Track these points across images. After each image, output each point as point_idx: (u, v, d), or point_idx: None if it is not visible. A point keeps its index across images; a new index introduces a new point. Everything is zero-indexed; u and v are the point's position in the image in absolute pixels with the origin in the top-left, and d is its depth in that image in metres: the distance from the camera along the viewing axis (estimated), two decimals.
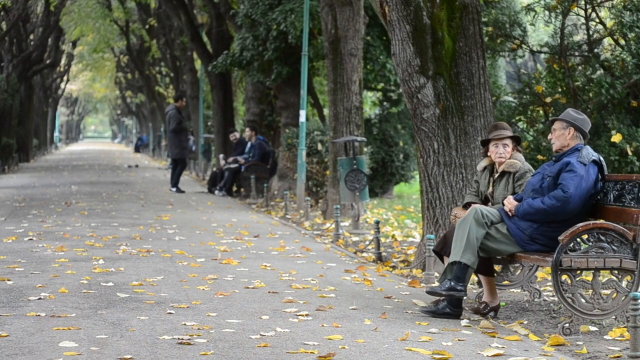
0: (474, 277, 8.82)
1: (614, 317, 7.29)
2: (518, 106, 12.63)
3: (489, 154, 8.42)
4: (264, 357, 6.12)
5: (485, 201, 8.42)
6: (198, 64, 35.31)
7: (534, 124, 12.57)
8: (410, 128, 22.73)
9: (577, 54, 12.39)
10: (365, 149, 17.07)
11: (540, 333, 7.35)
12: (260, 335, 6.75)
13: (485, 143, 8.47)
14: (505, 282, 8.68)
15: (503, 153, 8.28)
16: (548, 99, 12.20)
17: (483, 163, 8.52)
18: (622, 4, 12.06)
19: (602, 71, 12.08)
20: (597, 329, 7.38)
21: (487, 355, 6.32)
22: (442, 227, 10.01)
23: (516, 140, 8.39)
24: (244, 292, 8.65)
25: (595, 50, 12.41)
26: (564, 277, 7.19)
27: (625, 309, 7.15)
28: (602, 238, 7.21)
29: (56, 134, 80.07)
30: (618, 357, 6.45)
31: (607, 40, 12.86)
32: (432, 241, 9.65)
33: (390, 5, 10.12)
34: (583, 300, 7.19)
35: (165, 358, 6.01)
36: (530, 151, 12.00)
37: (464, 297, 7.80)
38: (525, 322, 7.80)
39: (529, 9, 12.56)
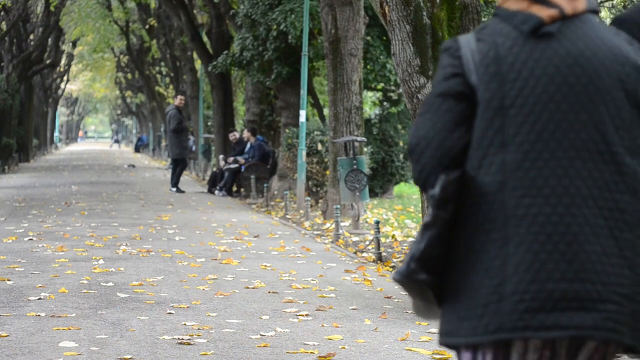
0: None
1: None
2: None
3: None
4: (264, 357, 6.12)
5: None
6: (198, 64, 35.33)
7: None
8: (410, 128, 22.74)
9: None
10: (365, 149, 17.08)
11: None
12: (260, 335, 6.75)
13: None
14: None
15: None
16: None
17: None
18: (622, 4, 12.07)
19: None
20: None
21: None
22: None
23: None
24: (244, 292, 8.65)
25: None
26: None
27: None
28: None
29: (56, 134, 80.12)
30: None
31: None
32: None
33: (390, 5, 10.12)
34: None
35: (165, 358, 6.02)
36: None
37: None
38: None
39: None
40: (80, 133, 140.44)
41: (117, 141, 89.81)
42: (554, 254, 2.49)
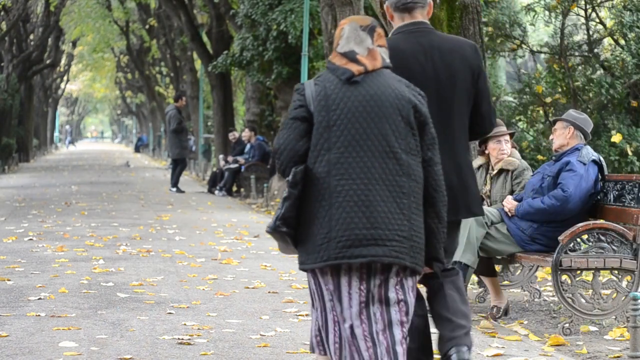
0: (473, 277, 8.81)
1: (614, 317, 7.29)
2: (518, 106, 12.63)
3: (487, 151, 8.36)
4: (264, 357, 6.12)
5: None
6: (198, 64, 35.31)
7: (534, 124, 12.57)
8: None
9: (577, 54, 12.39)
10: None
11: (540, 333, 7.35)
12: (260, 335, 6.75)
13: (484, 140, 8.39)
14: (505, 282, 8.67)
15: (505, 149, 8.23)
16: (548, 99, 12.21)
17: (478, 161, 8.46)
18: (622, 4, 12.07)
19: (602, 71, 12.08)
20: (597, 329, 7.38)
21: (487, 355, 6.32)
22: None
23: (511, 137, 8.38)
24: (244, 292, 8.65)
25: (595, 50, 12.42)
26: (564, 277, 7.19)
27: (625, 309, 7.15)
28: (602, 238, 7.21)
29: (56, 134, 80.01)
30: (618, 357, 6.45)
31: (607, 40, 12.86)
32: None
33: None
34: (583, 300, 7.19)
35: (165, 358, 6.02)
36: (530, 151, 12.00)
37: None
38: (525, 322, 7.81)
39: (529, 9, 12.56)
40: (95, 133, 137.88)
41: (71, 142, 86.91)
42: (359, 213, 4.23)
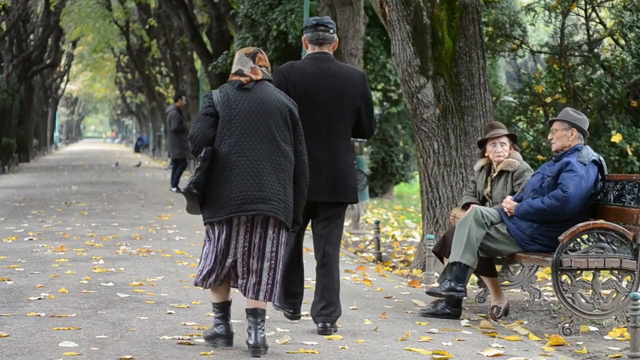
0: (473, 277, 8.81)
1: (614, 317, 7.29)
2: (518, 106, 12.62)
3: (486, 154, 8.36)
4: (264, 357, 6.12)
5: (483, 201, 8.38)
6: (198, 64, 35.30)
7: (534, 124, 12.56)
8: (410, 128, 22.73)
9: (577, 54, 12.37)
10: (365, 149, 17.05)
11: (540, 333, 7.35)
12: None
13: (482, 143, 8.41)
14: (505, 282, 8.67)
15: (501, 152, 8.24)
16: (548, 99, 12.19)
17: (480, 163, 8.47)
18: (622, 4, 12.06)
19: (602, 71, 12.07)
20: (597, 329, 7.38)
21: (487, 355, 6.32)
22: (442, 227, 10.01)
23: (512, 139, 8.36)
24: None
25: (595, 50, 12.40)
26: (564, 277, 7.19)
27: (625, 309, 7.15)
28: (602, 238, 7.21)
29: (56, 134, 79.96)
30: (618, 357, 6.45)
31: (607, 40, 12.85)
32: (432, 241, 9.65)
33: (390, 5, 10.12)
34: (583, 300, 7.19)
35: (165, 358, 6.02)
36: (530, 151, 11.99)
37: (464, 297, 7.79)
38: (525, 322, 7.81)
39: (529, 9, 12.55)
40: (113, 134, 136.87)
41: (140, 139, 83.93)
42: (251, 180, 6.06)
